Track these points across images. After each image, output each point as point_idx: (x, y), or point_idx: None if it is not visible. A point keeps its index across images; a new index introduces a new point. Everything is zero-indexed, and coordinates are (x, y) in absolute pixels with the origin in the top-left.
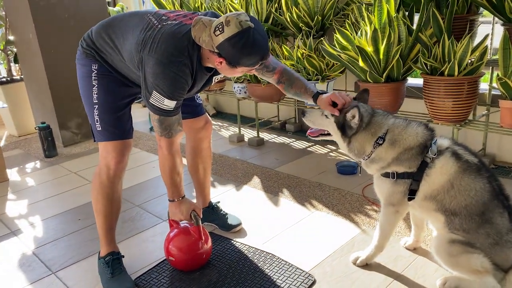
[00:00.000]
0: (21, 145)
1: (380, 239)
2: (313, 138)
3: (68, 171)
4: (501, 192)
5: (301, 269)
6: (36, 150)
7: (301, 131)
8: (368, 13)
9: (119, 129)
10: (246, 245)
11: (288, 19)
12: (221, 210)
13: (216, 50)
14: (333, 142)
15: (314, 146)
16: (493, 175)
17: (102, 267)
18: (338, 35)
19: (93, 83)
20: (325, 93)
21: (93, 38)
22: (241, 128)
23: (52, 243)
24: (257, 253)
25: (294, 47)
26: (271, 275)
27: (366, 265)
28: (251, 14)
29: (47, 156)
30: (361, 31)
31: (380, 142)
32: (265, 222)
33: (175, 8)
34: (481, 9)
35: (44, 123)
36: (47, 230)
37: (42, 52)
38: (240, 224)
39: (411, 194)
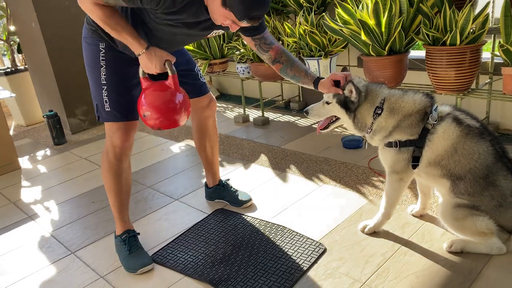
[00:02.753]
0: (30, 134)
1: (387, 207)
2: (325, 131)
3: (78, 157)
4: (504, 154)
5: (311, 239)
6: (45, 138)
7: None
8: None
9: (126, 110)
10: (257, 219)
11: None
12: (231, 187)
13: None
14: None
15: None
16: (496, 138)
17: (119, 245)
18: (339, 10)
19: (101, 63)
20: (324, 78)
21: None
22: (246, 109)
23: (68, 225)
24: (268, 225)
25: (296, 24)
26: (283, 246)
27: (374, 233)
28: None
29: (56, 144)
30: (362, 5)
31: (379, 112)
32: (274, 197)
33: None
34: None
35: (51, 111)
36: (62, 214)
37: (45, 40)
38: (250, 199)
39: (415, 161)
